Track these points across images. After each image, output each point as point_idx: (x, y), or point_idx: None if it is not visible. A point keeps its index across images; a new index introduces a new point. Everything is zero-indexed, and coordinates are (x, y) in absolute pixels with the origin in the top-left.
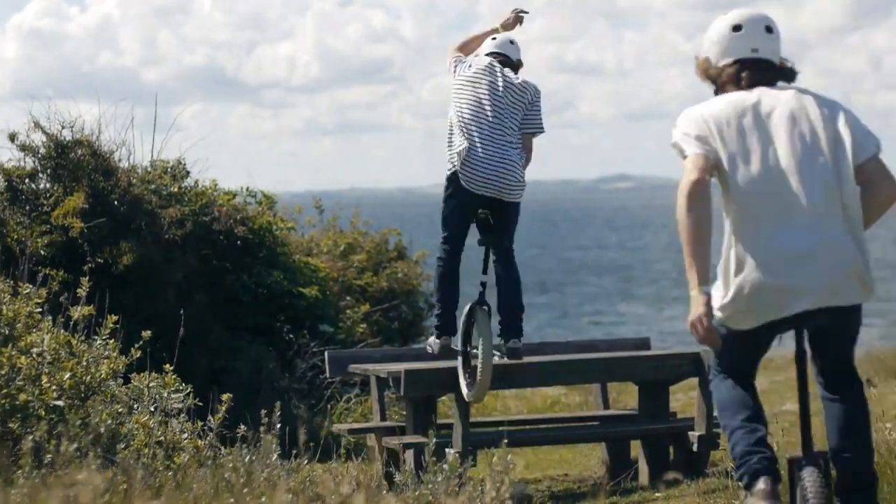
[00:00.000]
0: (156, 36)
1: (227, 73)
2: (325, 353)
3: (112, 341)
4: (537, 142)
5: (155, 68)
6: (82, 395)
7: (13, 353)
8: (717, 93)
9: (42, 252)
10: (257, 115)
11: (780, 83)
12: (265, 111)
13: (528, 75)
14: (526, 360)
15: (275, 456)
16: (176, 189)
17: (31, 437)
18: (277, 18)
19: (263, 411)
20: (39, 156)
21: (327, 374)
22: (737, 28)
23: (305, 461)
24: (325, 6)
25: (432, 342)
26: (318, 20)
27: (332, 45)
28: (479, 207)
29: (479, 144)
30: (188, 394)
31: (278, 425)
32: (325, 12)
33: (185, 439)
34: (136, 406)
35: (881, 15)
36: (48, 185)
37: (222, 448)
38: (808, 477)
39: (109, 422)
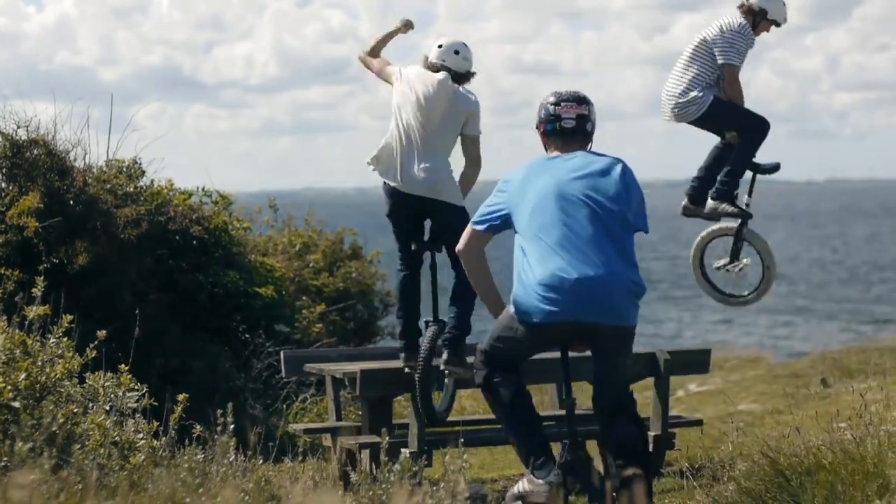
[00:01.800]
0: (113, 35)
1: (184, 72)
2: (281, 353)
3: (67, 341)
4: (496, 143)
5: (112, 68)
6: (37, 395)
7: None
8: None
9: None
10: (214, 114)
11: None
12: (222, 111)
13: (485, 76)
14: None
15: (231, 456)
16: (131, 189)
17: None
18: (235, 18)
19: (219, 411)
20: None
21: (283, 374)
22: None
23: (261, 461)
24: (283, 6)
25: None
26: (276, 20)
27: (291, 45)
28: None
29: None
30: (143, 393)
31: (233, 425)
32: (284, 12)
33: (141, 439)
34: (91, 406)
35: (838, 16)
36: (3, 185)
37: (178, 448)
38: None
39: (64, 421)
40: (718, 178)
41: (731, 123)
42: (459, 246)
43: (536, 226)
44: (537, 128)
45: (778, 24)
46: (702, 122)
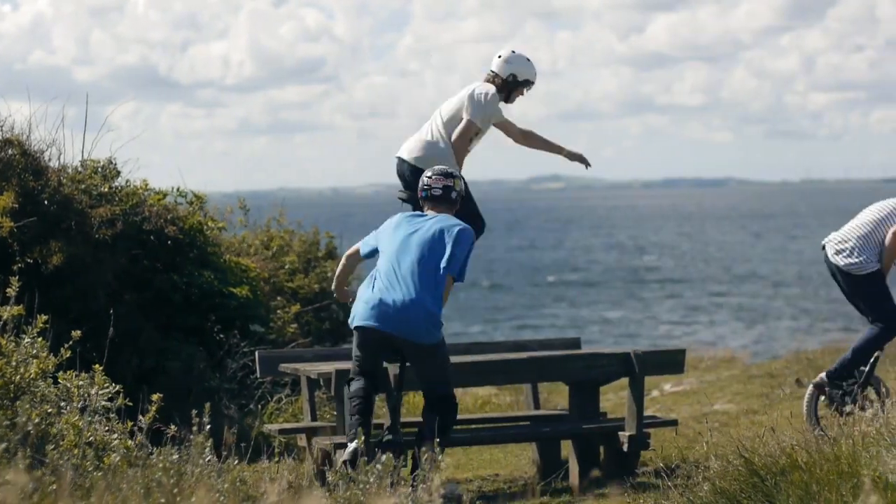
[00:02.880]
0: (89, 35)
1: (160, 72)
2: (256, 353)
3: (41, 341)
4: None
5: (88, 67)
6: (11, 395)
7: None
8: None
9: None
10: (190, 114)
11: None
12: (198, 111)
13: (462, 76)
14: (457, 360)
15: (207, 457)
16: (106, 189)
17: None
18: (212, 18)
19: (194, 411)
20: None
21: (258, 374)
22: None
23: (236, 461)
24: (259, 5)
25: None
26: (252, 20)
27: (266, 45)
28: None
29: None
30: (118, 393)
31: (209, 425)
32: (260, 12)
33: (115, 439)
34: (65, 406)
35: (814, 16)
36: None
37: (153, 448)
38: None
39: (38, 422)
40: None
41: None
42: (348, 251)
43: (381, 261)
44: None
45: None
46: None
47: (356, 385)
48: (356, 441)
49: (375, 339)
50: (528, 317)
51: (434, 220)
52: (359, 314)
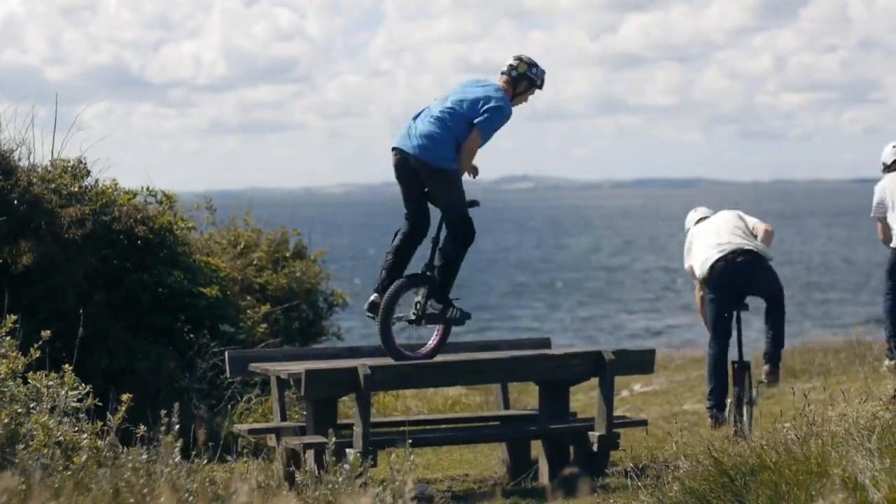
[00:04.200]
0: (61, 34)
1: (132, 71)
2: (226, 353)
3: (11, 340)
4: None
5: (60, 67)
6: None
7: None
8: None
9: None
10: (161, 114)
11: None
12: (170, 110)
13: (434, 75)
14: (426, 360)
15: (176, 457)
16: (76, 188)
17: None
18: (184, 17)
19: (163, 411)
20: None
21: (228, 374)
22: None
23: (205, 461)
24: (231, 5)
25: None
26: (224, 19)
27: (239, 44)
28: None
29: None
30: (87, 394)
31: (178, 425)
32: (232, 11)
33: (85, 440)
34: (34, 406)
35: (787, 16)
36: None
37: (122, 448)
38: None
39: (7, 422)
40: None
41: None
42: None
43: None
44: None
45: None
46: None
47: (396, 239)
48: (374, 294)
49: (399, 164)
50: (501, 318)
51: (487, 87)
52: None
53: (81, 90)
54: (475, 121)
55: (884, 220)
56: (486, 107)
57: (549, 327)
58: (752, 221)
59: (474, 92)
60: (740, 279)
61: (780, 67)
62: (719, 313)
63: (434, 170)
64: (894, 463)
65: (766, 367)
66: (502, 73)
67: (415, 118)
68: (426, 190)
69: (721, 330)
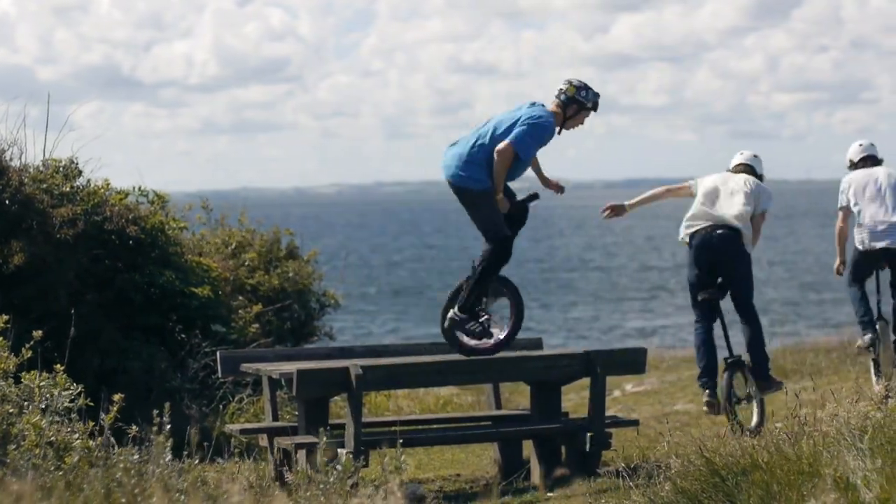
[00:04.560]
0: (53, 34)
1: (123, 71)
2: (217, 353)
3: (2, 340)
4: (434, 142)
5: (51, 66)
6: None
7: None
8: None
9: None
10: (153, 114)
11: None
12: (161, 110)
13: (425, 75)
14: (418, 359)
15: (167, 456)
16: (68, 188)
17: None
18: (175, 17)
19: (155, 411)
20: None
21: (219, 374)
22: None
23: (197, 461)
24: (223, 5)
25: None
26: (216, 19)
27: (231, 44)
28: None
29: None
30: (79, 393)
31: (169, 425)
32: (224, 11)
33: (77, 440)
34: (26, 406)
35: (779, 16)
36: None
37: (114, 448)
38: None
39: None
40: None
41: None
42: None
43: None
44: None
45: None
46: None
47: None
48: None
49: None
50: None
51: (530, 108)
52: None
53: (73, 90)
54: (501, 141)
55: (845, 210)
56: (521, 122)
57: (541, 327)
58: (754, 207)
59: (516, 113)
60: (714, 256)
61: (771, 68)
62: (693, 294)
63: (461, 190)
64: (886, 463)
65: (753, 383)
66: (554, 97)
67: (451, 146)
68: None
69: (699, 314)
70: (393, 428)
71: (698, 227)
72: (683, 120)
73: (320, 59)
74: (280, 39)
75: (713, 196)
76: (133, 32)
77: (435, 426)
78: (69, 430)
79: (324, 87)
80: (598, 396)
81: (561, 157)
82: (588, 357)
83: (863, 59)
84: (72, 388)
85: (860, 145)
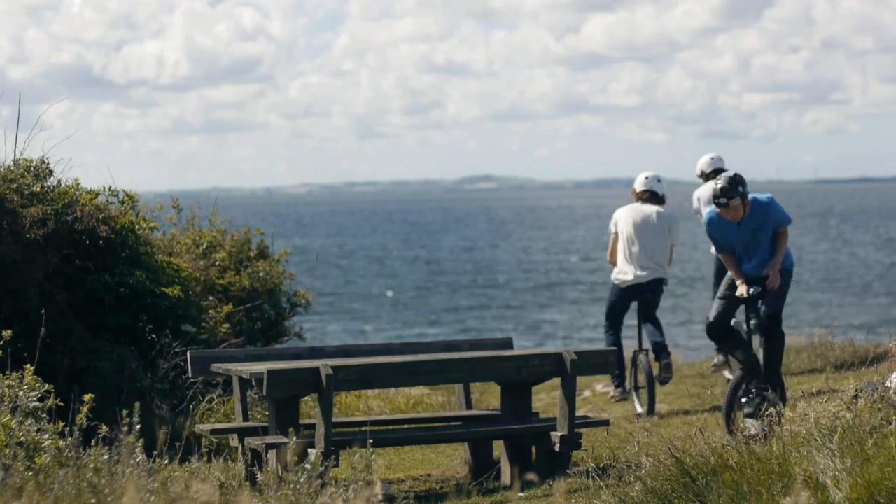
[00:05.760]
0: (24, 33)
1: (94, 71)
2: (188, 353)
3: None
4: (406, 143)
5: (22, 66)
6: None
7: None
8: None
9: None
10: (124, 113)
11: None
12: (132, 110)
13: (397, 75)
14: (388, 359)
15: (138, 457)
16: (38, 188)
17: None
18: (147, 17)
19: (125, 411)
20: None
21: (190, 375)
22: None
23: (167, 461)
24: (194, 5)
25: None
26: (187, 19)
27: (202, 44)
28: None
29: None
30: (49, 394)
31: (140, 425)
32: (195, 11)
33: (47, 440)
34: None
35: (751, 17)
36: None
37: (85, 448)
38: None
39: None
40: None
41: None
42: None
43: None
44: None
45: None
46: None
47: None
48: None
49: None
50: (465, 319)
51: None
52: None
53: (43, 90)
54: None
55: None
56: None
57: (510, 327)
58: (671, 240)
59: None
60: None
61: (743, 68)
62: (612, 311)
63: None
64: (855, 462)
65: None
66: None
67: None
68: None
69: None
70: (363, 428)
71: (629, 281)
72: (654, 120)
73: (292, 59)
74: (251, 39)
75: (630, 244)
76: (105, 32)
77: (405, 426)
78: (39, 429)
79: (295, 87)
80: (568, 396)
81: (531, 157)
82: (559, 357)
83: (834, 59)
84: (41, 388)
85: (712, 158)
